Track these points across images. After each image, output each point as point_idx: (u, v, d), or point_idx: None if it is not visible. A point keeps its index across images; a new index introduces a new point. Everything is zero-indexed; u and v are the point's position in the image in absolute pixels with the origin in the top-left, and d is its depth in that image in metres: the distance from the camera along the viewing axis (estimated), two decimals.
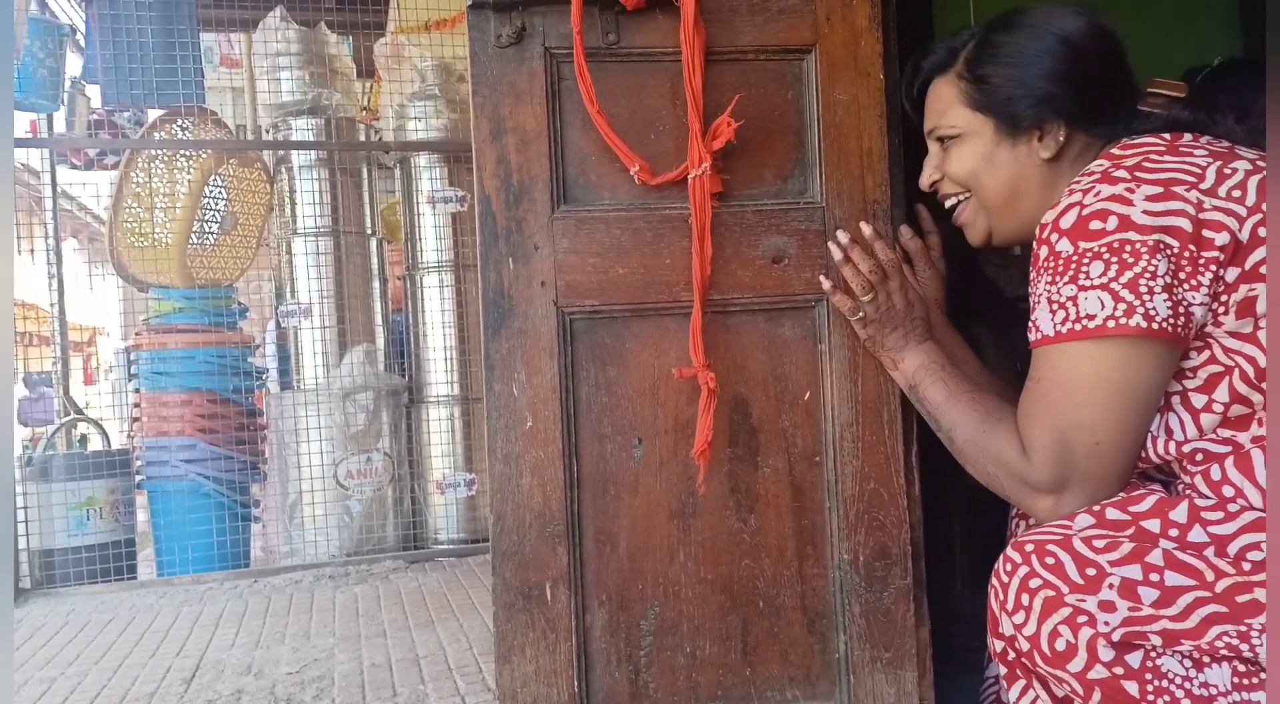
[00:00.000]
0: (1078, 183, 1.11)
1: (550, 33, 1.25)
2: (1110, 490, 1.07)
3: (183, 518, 3.44)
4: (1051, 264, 1.08)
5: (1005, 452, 1.11)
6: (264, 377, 3.91)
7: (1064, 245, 1.06)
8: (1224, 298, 1.03)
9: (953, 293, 1.41)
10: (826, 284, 1.27)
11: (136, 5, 3.38)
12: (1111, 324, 1.02)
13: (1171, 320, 1.01)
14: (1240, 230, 1.02)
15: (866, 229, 1.27)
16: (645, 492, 1.27)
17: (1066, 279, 1.05)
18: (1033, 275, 1.12)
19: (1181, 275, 1.02)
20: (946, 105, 1.24)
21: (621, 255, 1.27)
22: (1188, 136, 1.12)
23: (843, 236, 1.27)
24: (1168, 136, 1.13)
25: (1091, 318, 1.03)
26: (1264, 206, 1.02)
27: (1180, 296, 1.02)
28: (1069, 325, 1.05)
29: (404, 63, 3.79)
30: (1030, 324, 1.11)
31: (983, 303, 1.95)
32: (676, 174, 1.25)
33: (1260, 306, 1.02)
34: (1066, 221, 1.07)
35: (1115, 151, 1.12)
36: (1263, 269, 1.01)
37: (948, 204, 1.29)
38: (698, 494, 1.28)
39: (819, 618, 1.31)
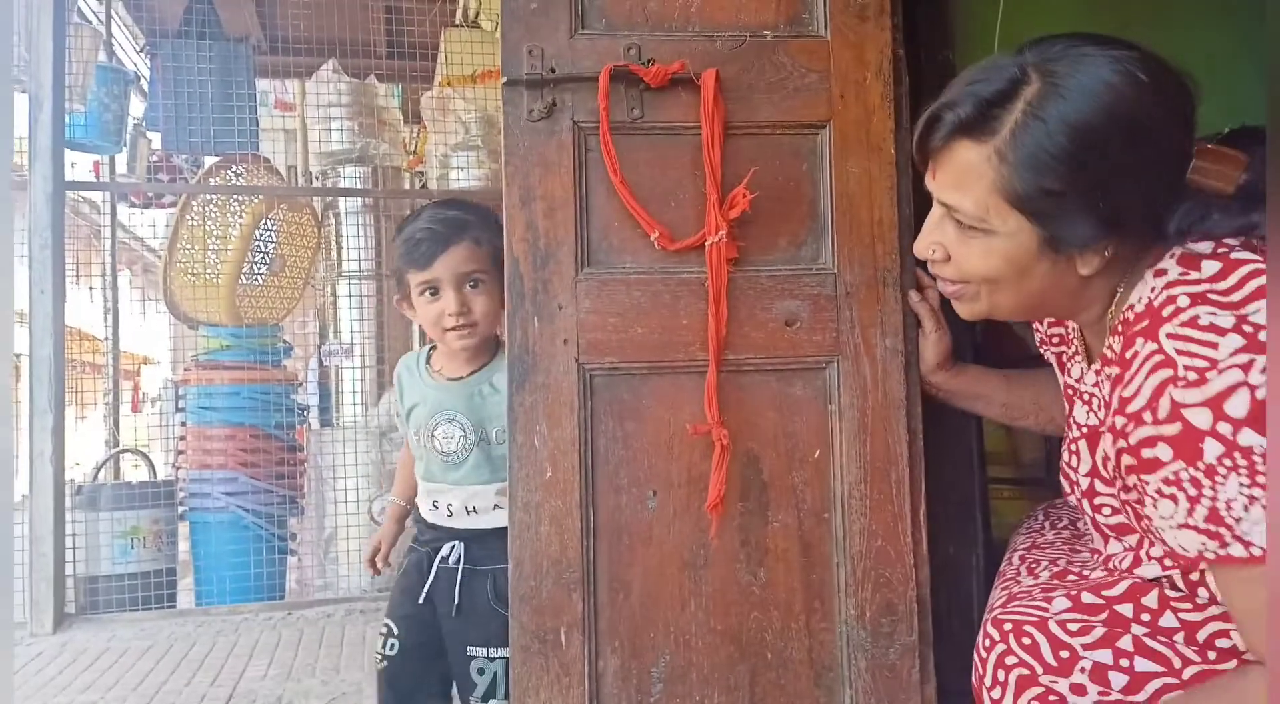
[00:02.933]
0: (1205, 344, 0.89)
1: (579, 108, 1.33)
2: None
3: (222, 549, 3.54)
4: (1239, 463, 0.86)
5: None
6: (305, 413, 4.02)
7: (1249, 439, 0.85)
8: None
9: (977, 350, 1.44)
10: None
11: (198, 57, 3.55)
12: None
13: None
14: None
15: None
16: (658, 542, 1.33)
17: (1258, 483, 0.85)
18: (1177, 474, 0.90)
19: None
20: (974, 186, 1.01)
21: (641, 316, 1.33)
22: (1248, 258, 0.95)
23: None
24: (1226, 256, 0.96)
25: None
26: None
27: None
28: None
29: (449, 114, 3.93)
30: (1225, 537, 0.88)
31: (1008, 360, 1.99)
32: (695, 240, 1.32)
33: None
34: (1239, 409, 0.86)
35: (1214, 282, 0.93)
36: None
37: (936, 270, 1.14)
38: (709, 546, 1.33)
39: (826, 672, 1.34)
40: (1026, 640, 1.06)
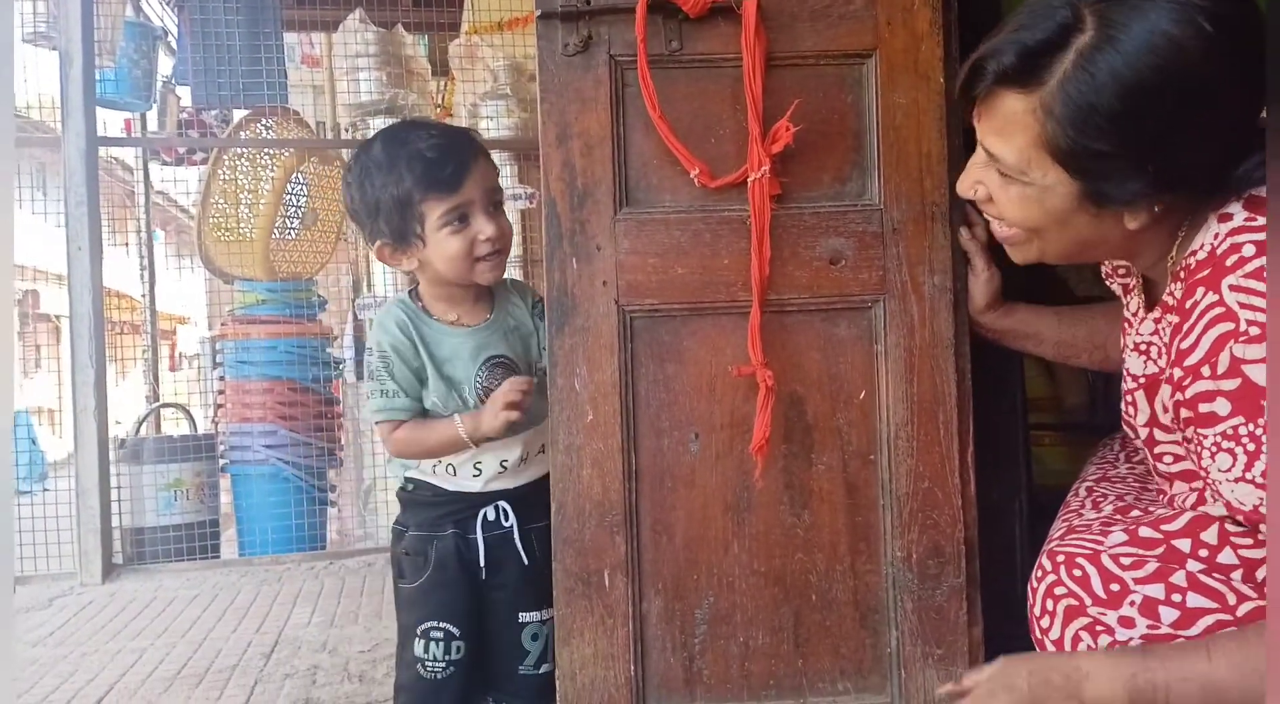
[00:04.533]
0: (1250, 274, 0.87)
1: (615, 40, 1.29)
2: None
3: (263, 501, 3.60)
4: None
5: None
6: (341, 367, 4.05)
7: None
8: None
9: (1023, 291, 1.41)
10: None
11: (225, 9, 3.53)
12: None
13: None
14: None
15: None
16: (701, 485, 1.31)
17: None
18: (1230, 416, 0.89)
19: None
20: (1017, 137, 0.98)
21: (681, 256, 1.30)
22: None
23: None
24: None
25: None
26: None
27: None
28: None
29: (477, 63, 3.88)
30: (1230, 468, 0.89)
31: (1053, 302, 1.94)
32: (736, 177, 1.29)
33: None
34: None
35: None
36: None
37: (988, 213, 1.12)
38: (752, 489, 1.31)
39: (871, 613, 1.33)
40: (1077, 572, 1.04)
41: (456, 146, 1.38)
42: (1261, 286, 0.87)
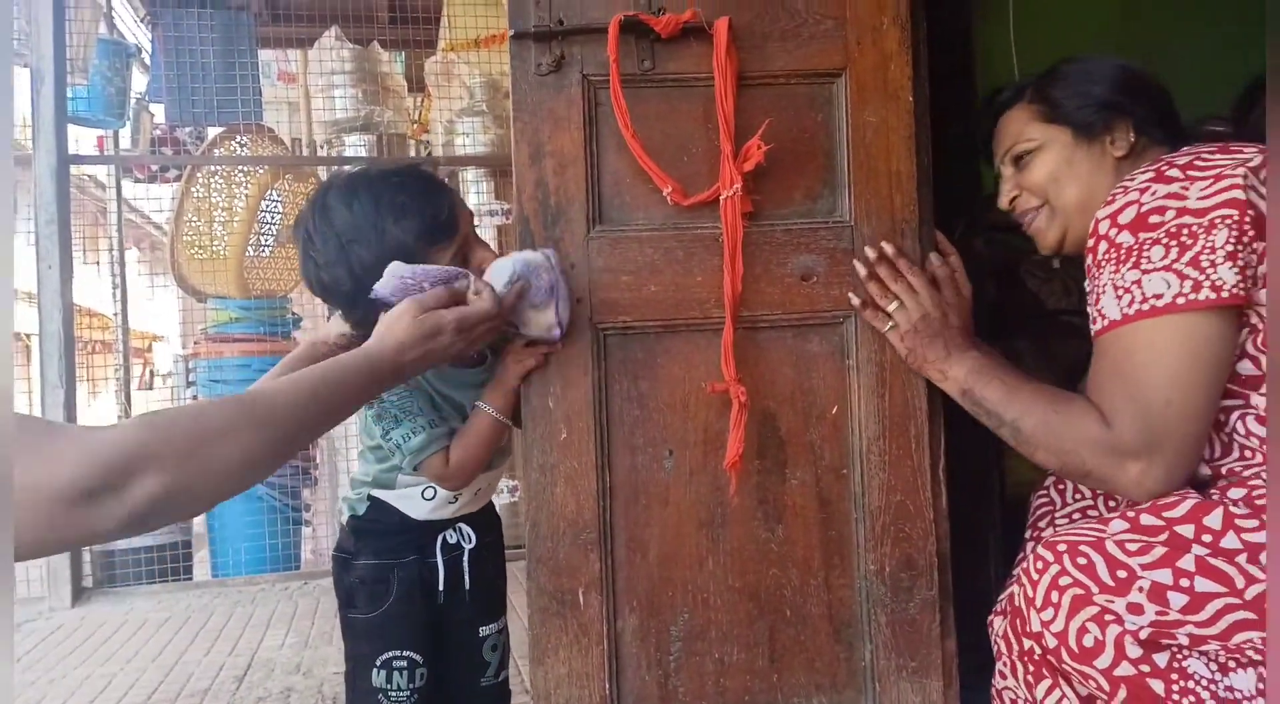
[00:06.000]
0: (1131, 180, 1.15)
1: (588, 60, 1.30)
2: (1188, 456, 1.09)
3: (237, 521, 3.56)
4: (1113, 255, 1.12)
5: (1086, 424, 1.12)
6: None
7: (1124, 238, 1.11)
8: (1256, 264, 1.07)
9: (995, 307, 1.44)
10: (855, 300, 1.31)
11: (199, 26, 3.52)
12: (1181, 301, 1.06)
13: (1241, 284, 1.05)
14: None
15: (889, 247, 1.30)
16: (675, 502, 1.32)
17: (1130, 265, 1.10)
18: (1090, 271, 1.16)
19: (1246, 239, 1.05)
20: (1021, 126, 1.34)
21: (654, 273, 1.31)
22: (1240, 142, 1.16)
23: (869, 252, 1.30)
24: (1221, 143, 1.17)
25: (1159, 297, 1.07)
26: None
27: (1246, 259, 1.06)
28: (1136, 307, 1.09)
29: (454, 79, 3.89)
30: (1094, 314, 1.15)
31: (1025, 316, 1.97)
32: (708, 195, 1.30)
33: None
34: (1126, 217, 1.12)
35: (1167, 155, 1.17)
36: None
37: (1026, 218, 1.36)
38: (726, 504, 1.31)
39: (845, 627, 1.34)
40: (1082, 561, 1.04)
41: (430, 186, 1.30)
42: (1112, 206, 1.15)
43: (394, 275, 1.16)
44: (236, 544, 3.55)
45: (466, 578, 1.40)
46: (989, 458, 1.85)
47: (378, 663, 1.35)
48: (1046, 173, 1.31)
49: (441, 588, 1.38)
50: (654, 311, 1.31)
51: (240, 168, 3.72)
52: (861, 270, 1.30)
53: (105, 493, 0.77)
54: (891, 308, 1.28)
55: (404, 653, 1.36)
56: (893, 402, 1.33)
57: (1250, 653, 1.00)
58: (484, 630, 1.44)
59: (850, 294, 1.31)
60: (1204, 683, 1.00)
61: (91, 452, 0.77)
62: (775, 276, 1.32)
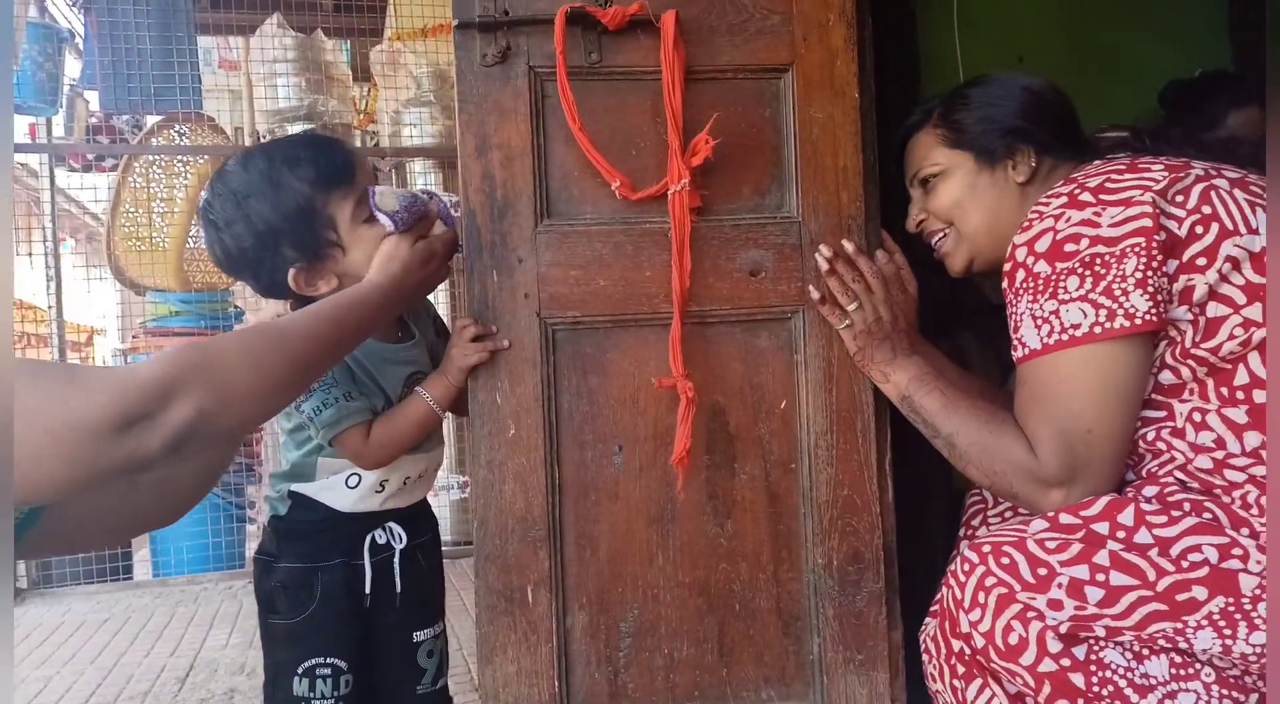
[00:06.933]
0: (1045, 205, 1.17)
1: (535, 52, 1.29)
2: (1108, 479, 1.12)
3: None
4: (1030, 284, 1.14)
5: (1014, 450, 1.15)
6: None
7: (1041, 267, 1.13)
8: (1168, 287, 1.11)
9: (940, 303, 1.46)
10: (815, 295, 1.31)
11: (135, 11, 3.42)
12: (1098, 330, 1.09)
13: (1153, 310, 1.08)
14: (1179, 229, 1.10)
15: (849, 245, 1.31)
16: (625, 497, 1.31)
17: (1048, 295, 1.12)
18: (1009, 297, 1.18)
19: (1155, 264, 1.09)
20: (926, 150, 1.35)
21: (603, 268, 1.30)
22: (1147, 158, 1.18)
23: (826, 249, 1.30)
24: (1129, 159, 1.19)
25: (1076, 327, 1.10)
26: (1203, 209, 1.11)
27: (1156, 284, 1.08)
28: (1055, 336, 1.12)
29: (400, 69, 3.83)
30: (1015, 342, 1.17)
31: (970, 311, 1.99)
32: (656, 189, 1.29)
33: (1196, 295, 1.10)
34: (1042, 245, 1.14)
35: (1079, 176, 1.18)
36: (1199, 262, 1.10)
37: (934, 241, 1.38)
38: (676, 500, 1.31)
39: (794, 621, 1.34)
40: (1005, 560, 1.07)
41: (321, 140, 1.31)
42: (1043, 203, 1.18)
43: (393, 195, 1.25)
44: (178, 543, 3.47)
45: (398, 581, 1.35)
46: (935, 452, 1.87)
47: (299, 671, 1.30)
48: (951, 198, 1.32)
49: (369, 591, 1.33)
50: (603, 306, 1.30)
51: (180, 157, 3.62)
52: (824, 265, 1.30)
53: (143, 420, 0.82)
54: (851, 308, 1.29)
55: (328, 660, 1.31)
56: (840, 396, 1.34)
57: (1161, 641, 1.04)
58: (418, 636, 1.39)
59: (811, 288, 1.32)
60: (1121, 671, 1.04)
61: (124, 382, 0.83)
62: (724, 272, 1.32)
